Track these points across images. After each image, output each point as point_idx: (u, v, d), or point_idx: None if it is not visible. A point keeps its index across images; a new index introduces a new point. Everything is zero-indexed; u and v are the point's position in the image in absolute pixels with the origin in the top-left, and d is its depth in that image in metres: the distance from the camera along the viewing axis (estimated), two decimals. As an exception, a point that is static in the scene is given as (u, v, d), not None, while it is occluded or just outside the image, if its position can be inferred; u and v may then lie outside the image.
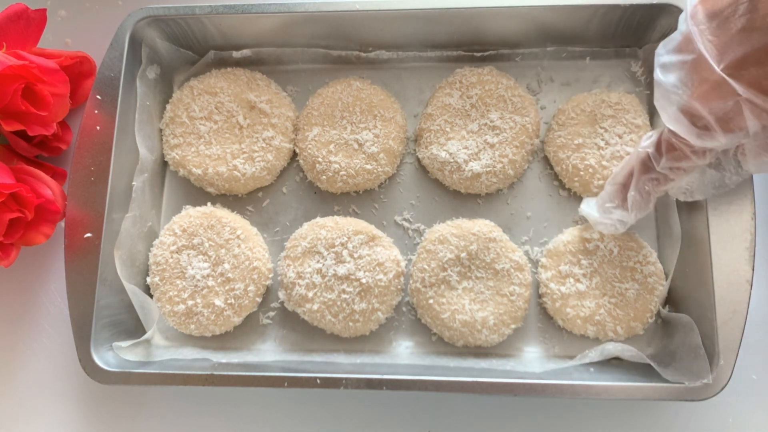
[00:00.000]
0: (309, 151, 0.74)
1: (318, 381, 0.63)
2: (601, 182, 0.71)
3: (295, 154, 0.77)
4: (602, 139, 0.72)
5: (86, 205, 0.69)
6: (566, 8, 0.70)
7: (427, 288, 0.69)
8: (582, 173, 0.72)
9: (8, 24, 0.71)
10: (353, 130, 0.74)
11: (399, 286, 0.71)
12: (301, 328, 0.73)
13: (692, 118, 0.53)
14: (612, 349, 0.66)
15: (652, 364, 0.64)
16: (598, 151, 0.72)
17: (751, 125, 0.50)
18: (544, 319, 0.72)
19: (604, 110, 0.73)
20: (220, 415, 0.72)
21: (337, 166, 0.73)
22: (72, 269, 0.68)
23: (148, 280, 0.72)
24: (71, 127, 0.81)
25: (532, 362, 0.69)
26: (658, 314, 0.69)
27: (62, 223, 0.78)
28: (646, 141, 0.60)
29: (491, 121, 0.72)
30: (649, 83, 0.75)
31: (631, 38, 0.75)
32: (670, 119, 0.55)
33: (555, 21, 0.73)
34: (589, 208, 0.68)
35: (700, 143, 0.54)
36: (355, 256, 0.70)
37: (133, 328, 0.72)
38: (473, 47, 0.77)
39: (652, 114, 0.74)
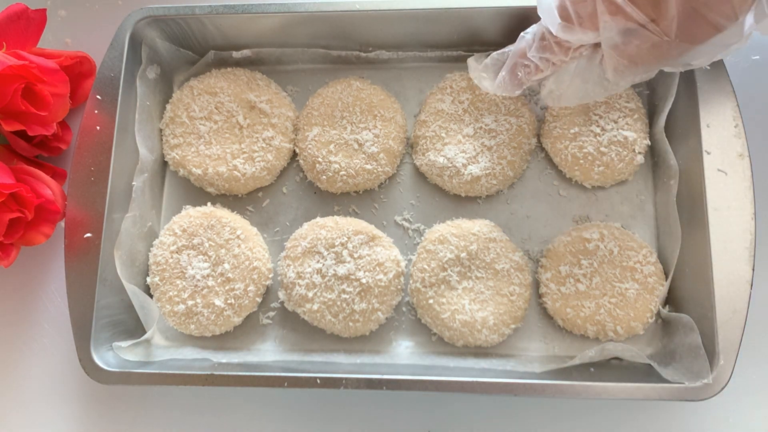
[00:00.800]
0: (309, 151, 0.74)
1: (318, 381, 0.63)
2: (601, 168, 0.71)
3: (295, 154, 0.77)
4: (598, 126, 0.72)
5: (86, 205, 0.69)
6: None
7: (427, 288, 0.69)
8: (582, 161, 0.72)
9: (8, 24, 0.71)
10: (353, 130, 0.74)
11: (399, 286, 0.71)
12: (301, 328, 0.73)
13: (560, 11, 0.56)
14: (612, 348, 0.66)
15: (652, 363, 0.64)
16: (595, 138, 0.72)
17: (605, 24, 0.54)
18: (544, 318, 0.72)
19: None
20: (219, 415, 0.72)
21: (337, 166, 0.73)
22: (72, 269, 0.68)
23: (148, 280, 0.72)
24: (71, 127, 0.81)
25: (532, 362, 0.69)
26: (658, 314, 0.69)
27: (62, 223, 0.78)
28: (530, 29, 0.62)
29: (486, 125, 0.72)
30: (648, 82, 0.75)
31: (631, 38, 0.74)
32: (542, 8, 0.58)
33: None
34: (475, 62, 0.70)
35: (561, 35, 0.57)
36: (355, 256, 0.70)
37: (133, 327, 0.72)
38: (473, 47, 0.77)
39: (652, 113, 0.74)
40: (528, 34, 0.62)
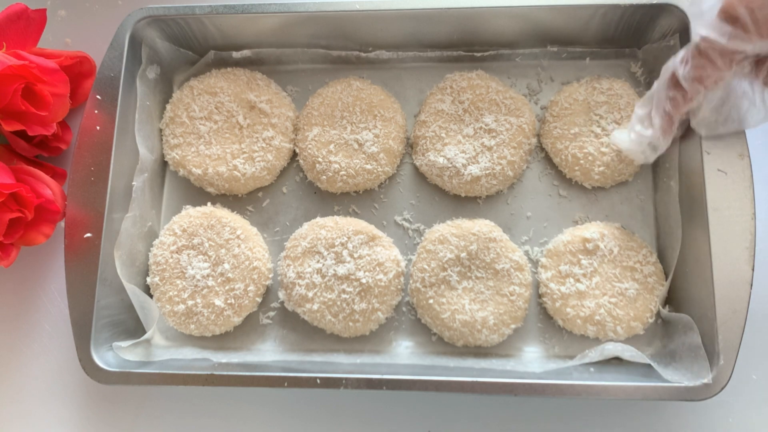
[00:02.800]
0: (309, 151, 0.74)
1: (318, 381, 0.63)
2: (601, 168, 0.71)
3: (295, 154, 0.77)
4: (598, 126, 0.72)
5: (86, 205, 0.69)
6: (566, 8, 0.71)
7: (427, 288, 0.69)
8: (582, 162, 0.72)
9: (8, 24, 0.71)
10: (353, 130, 0.74)
11: (399, 286, 0.71)
12: (301, 328, 0.73)
13: (728, 17, 0.51)
14: (612, 348, 0.66)
15: (652, 363, 0.64)
16: (595, 139, 0.72)
17: None
18: (544, 318, 0.72)
19: (597, 97, 0.73)
20: (219, 415, 0.72)
21: (337, 166, 0.73)
22: (72, 269, 0.68)
23: (148, 280, 0.72)
24: (71, 127, 0.81)
25: (532, 362, 0.69)
26: (658, 314, 0.69)
27: (62, 223, 0.77)
28: (673, 60, 0.59)
29: (486, 125, 0.72)
30: (649, 83, 0.75)
31: (630, 39, 0.75)
32: (705, 23, 0.53)
33: (555, 21, 0.73)
34: (620, 134, 0.68)
35: (731, 45, 0.52)
36: (355, 256, 0.70)
37: (133, 328, 0.72)
38: (473, 47, 0.77)
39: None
40: (676, 58, 0.58)
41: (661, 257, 0.70)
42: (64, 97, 0.71)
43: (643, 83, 0.76)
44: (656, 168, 0.73)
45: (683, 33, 0.69)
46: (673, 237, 0.69)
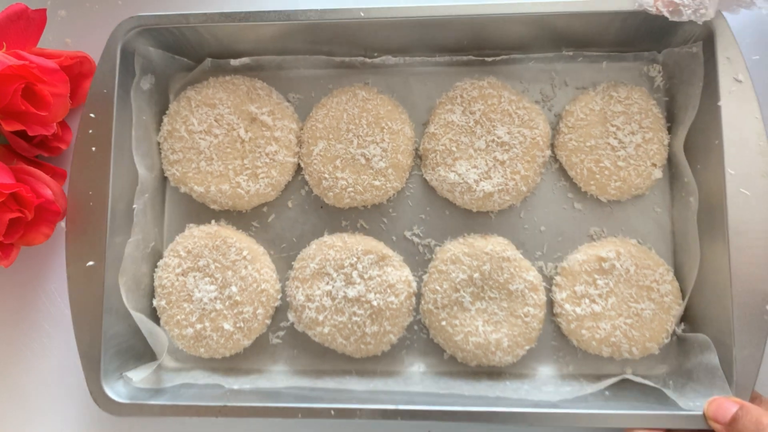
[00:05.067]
0: (314, 166, 0.71)
1: (332, 412, 0.63)
2: (618, 183, 0.69)
3: (299, 167, 0.74)
4: (615, 138, 0.69)
5: (87, 233, 0.67)
6: (585, 15, 0.66)
7: (439, 309, 0.68)
8: (598, 176, 0.69)
9: (8, 24, 0.69)
10: (360, 144, 0.71)
11: (410, 307, 0.69)
12: (311, 348, 0.72)
13: None
14: (630, 377, 0.66)
15: (669, 394, 0.64)
16: (612, 152, 0.69)
17: None
18: (558, 337, 0.71)
19: (614, 107, 0.70)
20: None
21: (344, 182, 0.70)
22: (76, 300, 0.66)
23: (155, 302, 0.71)
24: (71, 127, 0.78)
25: (547, 384, 0.68)
26: (674, 333, 0.68)
27: (62, 224, 0.76)
28: None
29: (498, 138, 0.69)
30: (668, 89, 0.72)
31: (650, 42, 0.71)
32: None
33: (571, 26, 0.69)
34: None
35: None
36: (365, 277, 0.68)
37: (141, 351, 0.71)
38: (484, 51, 0.73)
39: (671, 120, 0.71)
40: None
41: (679, 274, 0.69)
42: (64, 97, 0.69)
43: (662, 89, 0.72)
44: (674, 182, 0.71)
45: (707, 41, 0.65)
46: (690, 255, 0.67)
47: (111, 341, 0.67)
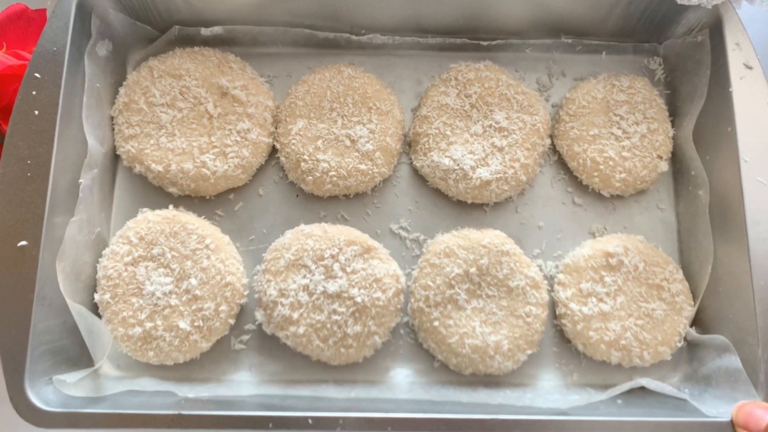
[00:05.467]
0: (292, 147, 0.64)
1: (310, 421, 0.53)
2: (623, 175, 0.65)
3: (274, 150, 0.66)
4: (619, 128, 0.66)
5: (21, 207, 0.56)
6: (588, -4, 0.63)
7: (431, 308, 0.60)
8: (602, 167, 0.65)
9: (8, 24, 0.68)
10: (345, 124, 0.64)
11: (398, 306, 0.61)
12: (280, 355, 0.63)
13: None
14: (645, 383, 0.59)
15: (689, 399, 0.57)
16: (616, 142, 0.65)
17: None
18: (560, 342, 0.64)
19: (617, 96, 0.67)
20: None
21: (326, 165, 0.63)
22: (2, 285, 0.55)
23: (96, 297, 0.60)
24: None
25: (551, 393, 0.61)
26: (685, 337, 0.62)
27: None
28: None
29: (497, 122, 0.64)
30: (669, 82, 0.69)
31: (651, 33, 0.69)
32: None
33: (572, 9, 0.66)
34: None
35: None
36: (348, 270, 0.60)
37: (77, 356, 0.60)
38: (479, 35, 0.69)
39: (673, 114, 0.68)
40: None
41: (687, 274, 0.64)
42: None
43: (663, 82, 0.70)
44: (679, 176, 0.67)
45: (714, 29, 0.63)
46: (701, 252, 0.62)
47: (41, 337, 0.55)
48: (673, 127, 0.67)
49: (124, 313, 0.59)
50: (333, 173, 0.63)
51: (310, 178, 0.63)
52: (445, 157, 0.63)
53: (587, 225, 0.67)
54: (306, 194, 0.66)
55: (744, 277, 0.57)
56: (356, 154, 0.63)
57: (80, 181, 0.60)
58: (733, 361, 0.57)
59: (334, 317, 0.59)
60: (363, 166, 0.63)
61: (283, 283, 0.60)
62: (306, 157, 0.63)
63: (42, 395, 0.54)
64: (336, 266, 0.60)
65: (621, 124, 0.65)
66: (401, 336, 0.64)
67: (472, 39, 0.69)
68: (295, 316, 0.59)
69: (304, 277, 0.60)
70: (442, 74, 0.67)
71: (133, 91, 0.64)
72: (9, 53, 0.66)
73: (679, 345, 0.61)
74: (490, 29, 0.68)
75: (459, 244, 0.62)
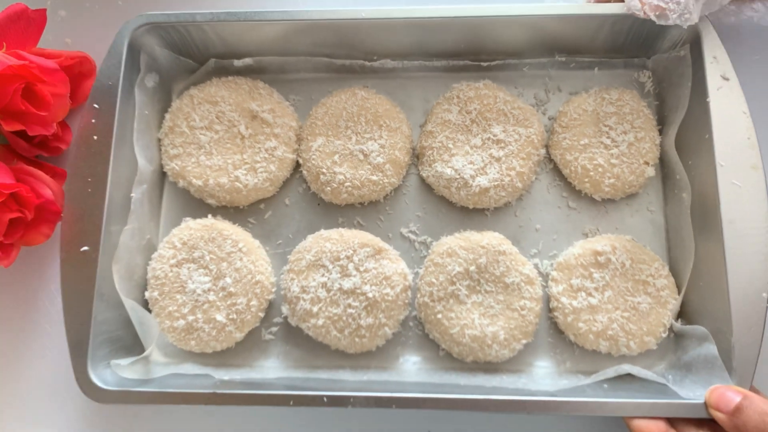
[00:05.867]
0: (313, 161, 0.72)
1: (325, 399, 0.61)
2: (611, 180, 0.70)
3: (298, 165, 0.75)
4: (608, 137, 0.71)
5: (83, 218, 0.67)
6: (575, 18, 0.70)
7: (435, 302, 0.67)
8: (592, 173, 0.70)
9: (8, 24, 0.70)
10: (358, 140, 0.72)
11: (406, 300, 0.69)
12: (304, 344, 0.71)
13: None
14: (627, 368, 0.64)
15: (668, 384, 0.63)
16: (605, 150, 0.71)
17: None
18: (554, 333, 0.70)
19: (606, 108, 0.72)
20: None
21: (341, 177, 0.71)
22: (68, 284, 0.65)
23: (147, 294, 0.70)
24: (71, 127, 0.79)
25: (544, 378, 0.67)
26: (671, 328, 0.67)
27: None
28: None
29: (494, 135, 0.71)
30: (658, 94, 0.74)
31: (639, 48, 0.74)
32: None
33: (563, 31, 0.72)
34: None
35: None
36: (361, 269, 0.68)
37: (131, 344, 0.69)
38: (480, 56, 0.76)
39: (661, 124, 0.73)
40: None
41: (673, 270, 0.69)
42: (64, 97, 0.70)
43: (652, 93, 0.75)
44: (666, 180, 0.72)
45: (694, 44, 0.68)
46: (685, 250, 0.67)
47: (100, 327, 0.65)
48: (661, 134, 0.72)
49: (170, 308, 0.69)
50: (348, 184, 0.71)
51: (329, 188, 0.72)
52: (448, 167, 0.71)
53: (581, 227, 0.73)
54: (326, 203, 0.75)
55: (720, 273, 0.62)
56: (368, 166, 0.71)
57: (132, 195, 0.70)
58: (711, 349, 0.62)
59: (349, 311, 0.67)
60: (375, 177, 0.71)
61: (305, 281, 0.68)
62: (324, 170, 0.71)
63: (101, 377, 0.64)
64: (350, 266, 0.68)
65: (610, 133, 0.71)
66: (410, 327, 0.71)
67: (473, 61, 0.76)
68: (315, 309, 0.67)
69: (323, 275, 0.68)
70: (445, 93, 0.74)
71: (177, 116, 0.74)
72: (9, 53, 0.68)
73: (664, 336, 0.67)
74: (489, 51, 0.75)
75: (460, 245, 0.69)
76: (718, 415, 0.58)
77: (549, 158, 0.74)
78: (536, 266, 0.71)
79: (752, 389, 0.60)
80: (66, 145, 0.77)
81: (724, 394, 0.58)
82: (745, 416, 0.56)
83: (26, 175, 0.71)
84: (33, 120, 0.68)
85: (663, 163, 0.73)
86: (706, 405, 0.59)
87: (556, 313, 0.68)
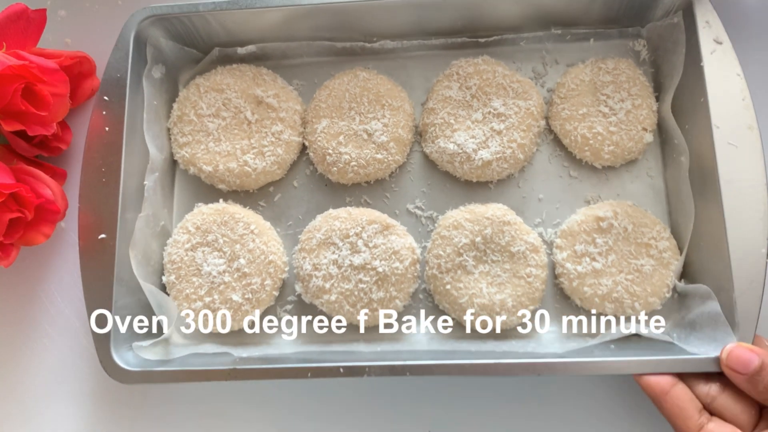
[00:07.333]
0: (318, 143, 0.74)
1: (341, 370, 0.63)
2: (611, 148, 0.72)
3: (304, 147, 0.77)
4: (606, 106, 0.73)
5: (99, 207, 0.69)
6: (569, -11, 0.71)
7: (443, 274, 0.69)
8: (591, 142, 0.72)
9: (8, 24, 0.71)
10: (362, 121, 0.74)
11: (415, 274, 0.71)
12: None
13: None
14: (634, 329, 0.66)
15: (673, 341, 0.64)
16: (604, 118, 0.72)
17: None
18: (561, 299, 0.72)
19: (603, 77, 0.73)
20: (243, 409, 0.73)
21: (347, 156, 0.73)
22: (88, 271, 0.68)
23: (164, 279, 0.72)
24: (71, 127, 0.80)
25: (553, 342, 0.69)
26: (674, 288, 0.69)
27: (62, 223, 0.78)
28: None
29: (495, 109, 0.73)
30: (653, 61, 0.76)
31: (633, 17, 0.75)
32: None
33: (558, 3, 0.73)
34: None
35: None
36: (370, 245, 0.70)
37: (150, 327, 0.72)
38: (477, 33, 0.77)
39: (658, 91, 0.75)
40: None
41: (675, 233, 0.71)
42: (64, 97, 0.71)
43: (648, 61, 0.76)
44: (665, 145, 0.74)
45: (687, 10, 0.69)
46: (685, 212, 0.69)
47: (121, 311, 0.68)
48: (657, 101, 0.74)
49: (187, 291, 0.71)
50: (354, 163, 0.73)
51: (335, 168, 0.74)
52: (450, 142, 0.72)
53: (583, 195, 0.74)
54: (333, 183, 0.76)
55: (720, 230, 0.64)
56: (373, 145, 0.73)
57: (145, 183, 0.72)
58: (714, 306, 0.63)
59: (360, 285, 0.69)
60: (379, 156, 0.73)
61: (316, 258, 0.70)
62: (330, 151, 0.73)
63: (124, 358, 0.66)
64: (360, 242, 0.70)
65: (608, 102, 0.73)
66: (420, 300, 0.73)
67: (471, 37, 0.77)
68: (327, 286, 0.69)
69: (333, 252, 0.70)
70: (445, 70, 0.76)
71: (185, 105, 0.76)
72: (9, 53, 0.68)
73: (668, 296, 0.68)
74: (487, 27, 0.76)
75: (466, 217, 0.70)
76: (736, 376, 0.59)
77: (549, 129, 0.76)
78: (540, 235, 0.73)
79: (756, 338, 0.62)
80: (66, 145, 0.78)
81: (742, 355, 0.59)
82: (765, 378, 0.58)
83: (26, 175, 0.72)
84: (33, 120, 0.69)
85: (661, 129, 0.74)
86: (721, 364, 0.60)
87: (561, 279, 0.70)
